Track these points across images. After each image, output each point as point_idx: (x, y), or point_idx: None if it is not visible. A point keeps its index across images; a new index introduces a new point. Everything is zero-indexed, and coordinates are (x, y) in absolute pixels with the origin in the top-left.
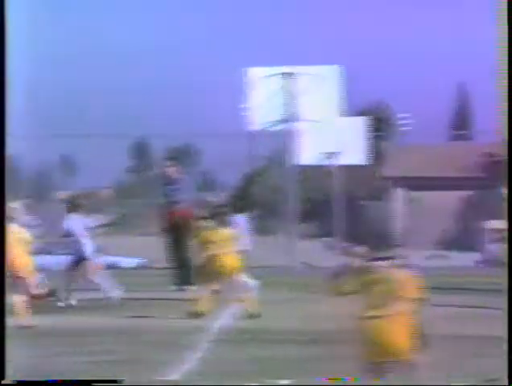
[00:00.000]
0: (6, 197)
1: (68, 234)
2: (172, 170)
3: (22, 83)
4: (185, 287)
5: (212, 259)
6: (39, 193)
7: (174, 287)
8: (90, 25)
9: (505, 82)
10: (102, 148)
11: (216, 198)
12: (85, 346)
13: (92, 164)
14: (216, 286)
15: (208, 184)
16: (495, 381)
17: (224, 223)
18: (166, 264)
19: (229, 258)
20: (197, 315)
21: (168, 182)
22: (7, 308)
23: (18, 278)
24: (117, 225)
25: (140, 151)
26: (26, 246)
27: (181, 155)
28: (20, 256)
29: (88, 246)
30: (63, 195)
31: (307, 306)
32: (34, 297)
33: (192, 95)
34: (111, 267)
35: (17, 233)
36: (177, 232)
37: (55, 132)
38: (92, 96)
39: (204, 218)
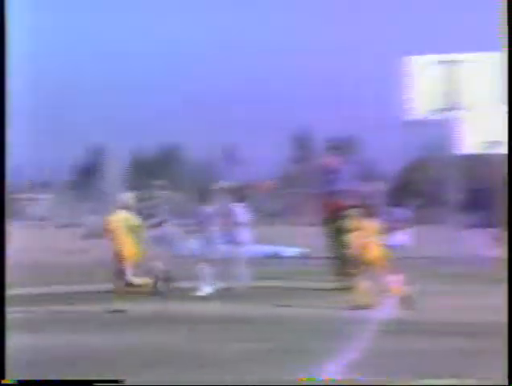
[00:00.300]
0: (5, 196)
1: (228, 222)
2: (332, 160)
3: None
4: (345, 277)
5: (359, 249)
6: (202, 184)
7: (334, 277)
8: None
9: (506, 82)
10: (265, 139)
11: (371, 188)
12: (246, 334)
13: (255, 155)
14: (369, 277)
15: (368, 174)
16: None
17: (372, 214)
18: (326, 254)
19: (376, 249)
20: (357, 306)
21: (328, 172)
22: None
23: (122, 263)
24: (280, 215)
25: (302, 142)
26: (135, 233)
27: (341, 145)
28: (127, 242)
29: (246, 235)
30: (224, 185)
31: (467, 298)
32: (129, 284)
33: (351, 86)
34: (274, 256)
35: (126, 220)
36: (336, 221)
37: (218, 124)
38: (254, 89)
39: (355, 208)
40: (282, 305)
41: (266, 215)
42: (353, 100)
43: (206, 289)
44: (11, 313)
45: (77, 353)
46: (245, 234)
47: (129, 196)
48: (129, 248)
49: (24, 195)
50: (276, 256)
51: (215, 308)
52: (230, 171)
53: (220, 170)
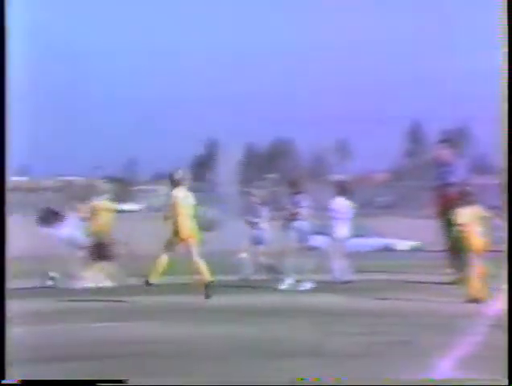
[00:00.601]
0: (5, 194)
1: (330, 216)
2: (445, 153)
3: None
4: (458, 270)
5: (471, 242)
6: (313, 176)
7: (447, 270)
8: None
9: (506, 82)
10: (378, 132)
11: (484, 181)
12: (361, 327)
13: (368, 148)
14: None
15: (482, 167)
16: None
17: (483, 207)
18: (440, 248)
19: (485, 242)
20: (470, 299)
21: (441, 164)
22: None
23: (182, 241)
24: (393, 208)
25: (415, 134)
26: (194, 211)
27: (455, 138)
28: (184, 221)
29: (343, 229)
30: (336, 178)
31: None
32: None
33: (463, 80)
34: (386, 249)
35: (185, 198)
36: (448, 214)
37: (330, 116)
38: (368, 83)
39: (467, 201)
40: (395, 299)
41: (378, 208)
42: (465, 94)
43: (309, 284)
44: (136, 302)
45: (200, 343)
46: (344, 228)
47: (184, 173)
48: (186, 226)
49: (142, 187)
50: (388, 249)
51: (325, 301)
52: (342, 164)
53: (332, 163)
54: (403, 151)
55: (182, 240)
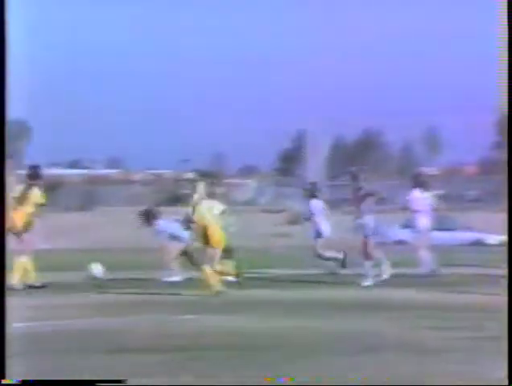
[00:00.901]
0: (5, 194)
1: (407, 208)
2: None
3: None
4: None
5: None
6: (403, 169)
7: None
8: None
9: (506, 82)
10: (467, 122)
11: None
12: (446, 321)
13: (457, 140)
14: None
15: None
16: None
17: None
18: None
19: None
20: None
21: None
22: None
23: (208, 249)
24: (483, 202)
25: (505, 126)
26: (218, 220)
27: None
28: (214, 229)
29: (423, 221)
30: (416, 170)
31: None
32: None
33: None
34: (476, 243)
35: (210, 208)
36: None
37: (420, 106)
38: (454, 73)
39: None
40: (482, 294)
41: (469, 202)
42: None
43: (385, 275)
44: (221, 295)
45: (281, 337)
46: (424, 220)
47: (205, 184)
48: (217, 235)
49: (229, 181)
50: (478, 244)
51: (410, 294)
52: (432, 157)
53: (422, 155)
54: (493, 144)
55: (212, 247)
